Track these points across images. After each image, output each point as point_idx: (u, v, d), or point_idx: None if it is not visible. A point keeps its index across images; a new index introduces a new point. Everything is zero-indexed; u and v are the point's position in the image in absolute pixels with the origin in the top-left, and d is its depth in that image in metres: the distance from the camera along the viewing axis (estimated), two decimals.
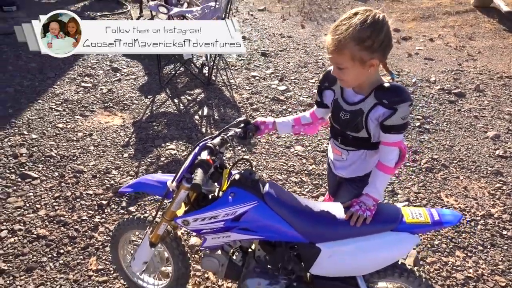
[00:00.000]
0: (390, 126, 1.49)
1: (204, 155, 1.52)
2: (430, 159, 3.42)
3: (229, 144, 1.69)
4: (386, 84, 1.50)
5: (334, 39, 1.41)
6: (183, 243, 1.94)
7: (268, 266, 1.75)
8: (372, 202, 1.54)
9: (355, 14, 1.39)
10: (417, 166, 3.33)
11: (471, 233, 2.63)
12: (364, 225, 1.52)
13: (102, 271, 2.25)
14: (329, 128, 1.78)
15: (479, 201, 2.93)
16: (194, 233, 2.47)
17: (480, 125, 4.02)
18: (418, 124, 3.96)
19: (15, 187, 2.83)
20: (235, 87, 4.62)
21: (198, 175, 1.41)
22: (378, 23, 1.38)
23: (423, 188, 3.06)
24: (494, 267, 2.38)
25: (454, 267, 2.37)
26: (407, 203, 2.88)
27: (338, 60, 1.45)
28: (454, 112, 4.27)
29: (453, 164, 3.37)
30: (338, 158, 1.78)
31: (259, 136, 1.98)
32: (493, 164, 3.38)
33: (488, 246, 2.54)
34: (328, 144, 1.91)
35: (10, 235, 2.44)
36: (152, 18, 5.15)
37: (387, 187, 3.03)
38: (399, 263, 1.69)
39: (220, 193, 1.65)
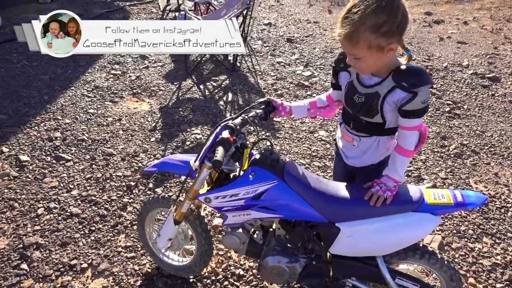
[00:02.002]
0: (411, 111, 1.41)
1: (225, 134, 1.56)
2: (459, 144, 3.32)
3: (249, 125, 1.72)
4: (403, 67, 1.41)
5: (346, 31, 1.31)
6: (206, 221, 2.00)
7: (288, 245, 1.78)
8: (392, 183, 1.52)
9: None
10: (445, 151, 3.23)
11: (501, 220, 2.55)
12: (384, 205, 1.51)
13: (131, 248, 2.36)
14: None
15: (511, 188, 2.83)
16: (217, 212, 2.54)
17: None
18: (448, 109, 3.83)
19: (50, 168, 2.99)
20: (260, 73, 4.62)
21: (219, 153, 1.45)
22: (393, 3, 1.26)
23: (451, 174, 2.98)
24: None
25: (481, 254, 2.31)
26: (430, 184, 2.81)
27: (353, 51, 1.37)
28: (487, 97, 4.10)
29: (484, 150, 3.25)
30: (348, 145, 1.71)
31: (275, 117, 1.97)
32: None
33: None
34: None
35: (46, 213, 2.60)
36: (179, 6, 5.22)
37: (413, 173, 2.97)
38: (421, 244, 1.68)
39: (241, 172, 1.69)
